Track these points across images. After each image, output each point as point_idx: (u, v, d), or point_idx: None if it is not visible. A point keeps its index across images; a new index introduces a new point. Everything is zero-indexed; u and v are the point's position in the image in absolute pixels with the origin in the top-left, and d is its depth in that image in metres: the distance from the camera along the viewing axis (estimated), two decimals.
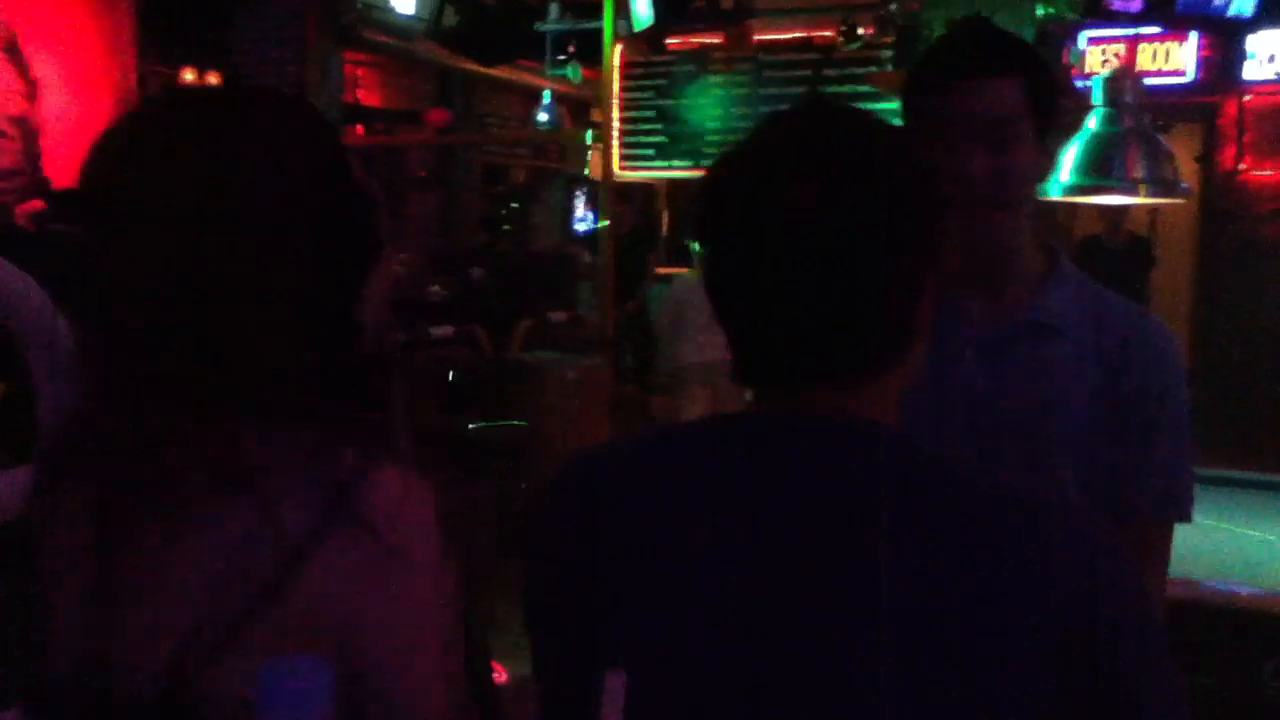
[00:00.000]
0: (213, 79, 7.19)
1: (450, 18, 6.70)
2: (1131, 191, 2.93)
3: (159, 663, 0.81)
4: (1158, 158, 2.89)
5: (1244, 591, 2.29)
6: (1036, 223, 1.54)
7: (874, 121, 0.94)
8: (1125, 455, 1.46)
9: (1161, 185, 2.89)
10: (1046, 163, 1.46)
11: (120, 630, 0.84)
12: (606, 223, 6.30)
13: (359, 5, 7.17)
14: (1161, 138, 2.98)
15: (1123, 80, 3.00)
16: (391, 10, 7.59)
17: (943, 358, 1.40)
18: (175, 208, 0.85)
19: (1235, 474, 3.60)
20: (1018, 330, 1.47)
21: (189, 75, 7.07)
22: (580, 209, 10.31)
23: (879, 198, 0.88)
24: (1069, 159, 2.97)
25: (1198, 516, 2.92)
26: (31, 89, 6.37)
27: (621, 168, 7.38)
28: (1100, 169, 2.86)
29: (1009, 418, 1.44)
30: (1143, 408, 1.46)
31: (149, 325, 0.85)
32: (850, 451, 0.90)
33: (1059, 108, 1.46)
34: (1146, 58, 7.09)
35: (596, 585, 0.91)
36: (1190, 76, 7.06)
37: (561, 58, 7.88)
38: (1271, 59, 6.76)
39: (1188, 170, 8.81)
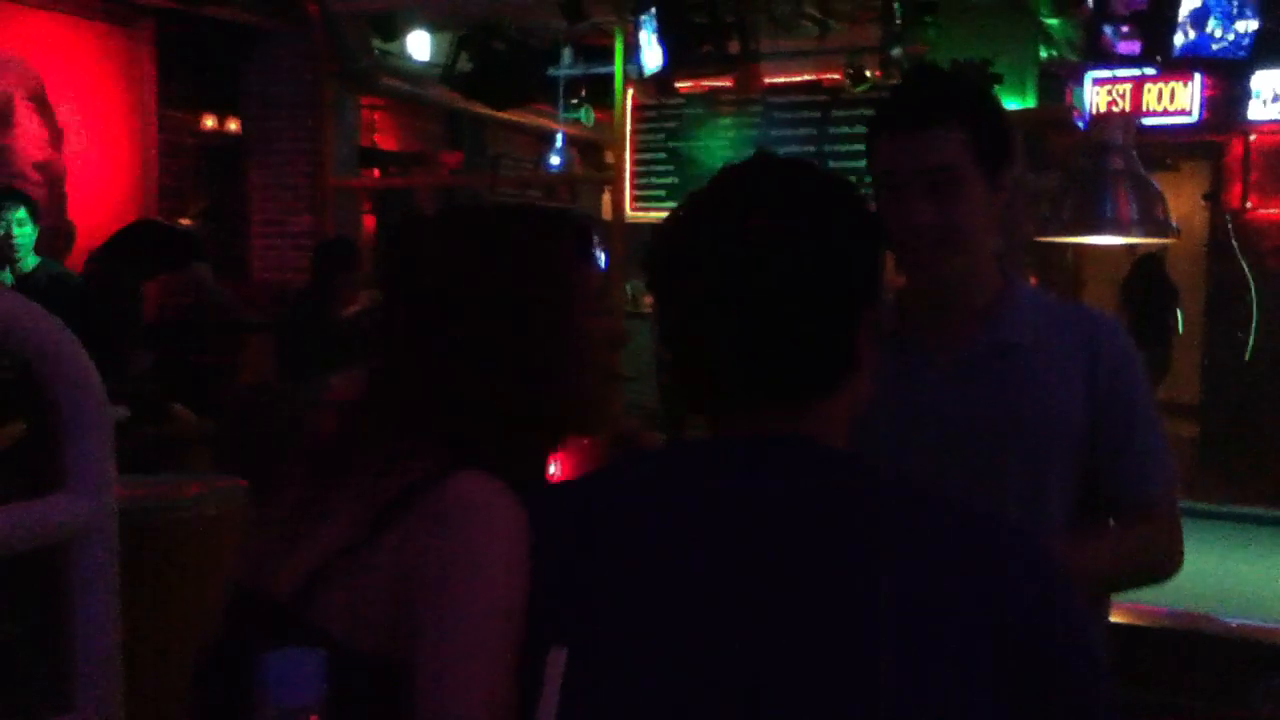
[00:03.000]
0: (233, 125, 7.35)
1: (464, 63, 6.84)
2: (1122, 231, 2.99)
3: (298, 581, 1.08)
4: (1148, 198, 2.96)
5: (1235, 621, 2.33)
6: (1021, 257, 1.62)
7: (817, 170, 1.02)
8: (1117, 448, 1.55)
9: (1152, 225, 2.95)
10: (998, 200, 1.51)
11: (287, 561, 1.11)
12: None
13: (375, 52, 7.33)
14: (1151, 178, 3.04)
15: (1114, 122, 3.07)
16: (407, 57, 7.75)
17: (909, 385, 1.47)
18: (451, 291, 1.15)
19: (1241, 509, 3.62)
20: (979, 353, 1.54)
21: (209, 122, 7.23)
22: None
23: (816, 238, 0.95)
24: (1061, 199, 3.03)
25: (1200, 549, 2.97)
26: (57, 137, 6.50)
27: (633, 209, 7.48)
28: (1091, 209, 2.92)
29: (982, 436, 1.50)
30: (1122, 402, 1.55)
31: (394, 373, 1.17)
32: (799, 471, 0.95)
33: (1011, 152, 1.53)
34: (1152, 98, 7.18)
35: (562, 608, 0.97)
36: (1195, 116, 7.13)
37: (574, 101, 8.01)
38: (1275, 99, 6.83)
39: (1196, 207, 8.88)
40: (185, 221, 6.43)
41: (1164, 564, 1.62)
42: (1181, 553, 1.62)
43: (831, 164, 6.64)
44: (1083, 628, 0.95)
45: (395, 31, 7.16)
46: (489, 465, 1.07)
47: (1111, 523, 1.61)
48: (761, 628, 0.89)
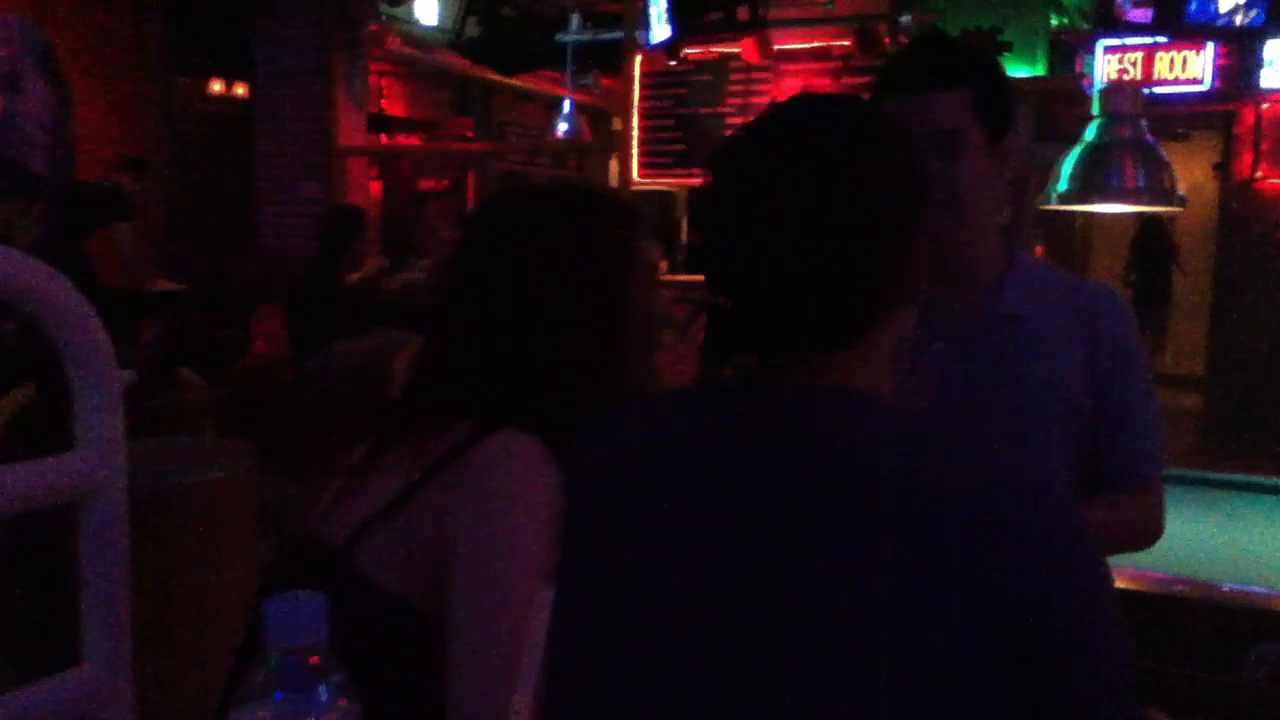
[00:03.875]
0: (240, 90, 7.35)
1: (472, 29, 6.82)
2: (1128, 200, 2.99)
3: (348, 530, 1.15)
4: (1154, 167, 2.95)
5: (1228, 587, 2.35)
6: (1030, 227, 1.61)
7: (859, 102, 1.02)
8: (1114, 423, 1.56)
9: (1158, 194, 2.95)
10: (1002, 167, 1.53)
11: (341, 511, 1.18)
12: None
13: (383, 17, 7.30)
14: (1159, 147, 3.03)
15: (1120, 91, 3.05)
16: (415, 22, 7.73)
17: (912, 350, 1.48)
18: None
19: (1243, 478, 3.64)
20: (981, 322, 1.55)
21: (217, 86, 7.22)
22: None
23: (868, 167, 0.94)
24: (1068, 167, 3.03)
25: (1202, 516, 2.97)
26: (65, 102, 6.47)
27: (641, 175, 7.47)
28: (1097, 178, 2.92)
29: (981, 406, 1.51)
30: (1121, 377, 1.56)
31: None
32: (831, 426, 0.94)
33: (1013, 117, 1.53)
34: (1164, 66, 7.11)
35: (584, 548, 0.99)
36: (1207, 85, 7.05)
37: (582, 68, 7.98)
38: None
39: (1207, 177, 8.83)
40: (119, 177, 6.29)
41: (1148, 538, 1.64)
42: (1163, 526, 1.64)
43: None
44: (1091, 615, 0.90)
45: None
46: (539, 430, 1.13)
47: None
48: (764, 577, 0.90)
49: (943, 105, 1.47)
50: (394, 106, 8.98)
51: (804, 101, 1.01)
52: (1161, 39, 6.77)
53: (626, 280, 1.25)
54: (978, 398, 1.52)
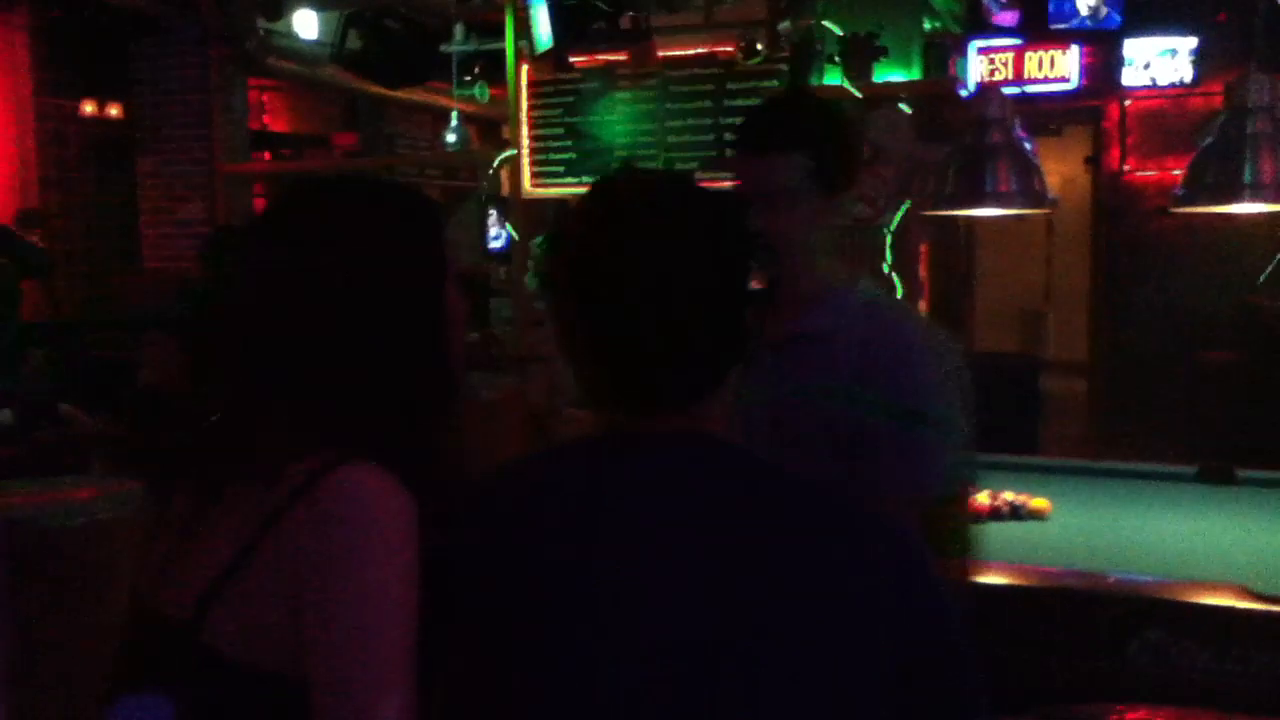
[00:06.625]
0: (114, 111, 7.12)
1: (354, 41, 6.71)
2: (1003, 204, 3.09)
3: (189, 602, 1.04)
4: (1026, 171, 3.06)
5: (1113, 577, 2.45)
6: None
7: (690, 183, 1.09)
8: (886, 442, 1.60)
9: (1030, 197, 3.05)
10: (838, 214, 1.67)
11: (178, 576, 1.07)
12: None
13: (261, 32, 7.15)
14: (1030, 151, 3.14)
15: (991, 97, 3.15)
16: (295, 36, 7.58)
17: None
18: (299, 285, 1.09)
19: (1124, 465, 3.79)
20: (789, 339, 1.64)
21: (89, 108, 6.99)
22: (493, 227, 10.34)
23: (707, 249, 1.02)
24: (945, 173, 3.12)
25: (1087, 505, 3.07)
26: None
27: (532, 185, 7.45)
28: (973, 183, 3.01)
29: (787, 416, 1.62)
30: (901, 401, 1.60)
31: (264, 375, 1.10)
32: (700, 462, 1.03)
33: (854, 170, 1.66)
34: (1034, 65, 7.37)
35: (482, 599, 1.02)
36: (1074, 83, 7.34)
37: (468, 79, 7.93)
38: (1147, 65, 7.07)
39: (1079, 171, 9.17)
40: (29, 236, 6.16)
41: None
42: None
43: (727, 136, 6.72)
44: (952, 611, 1.03)
45: (280, 10, 7.00)
46: (380, 455, 1.03)
47: None
48: (698, 607, 0.96)
49: (777, 167, 1.59)
50: (277, 122, 8.80)
51: (645, 178, 1.10)
52: (1031, 39, 7.00)
53: (443, 277, 1.15)
54: (779, 410, 1.61)
